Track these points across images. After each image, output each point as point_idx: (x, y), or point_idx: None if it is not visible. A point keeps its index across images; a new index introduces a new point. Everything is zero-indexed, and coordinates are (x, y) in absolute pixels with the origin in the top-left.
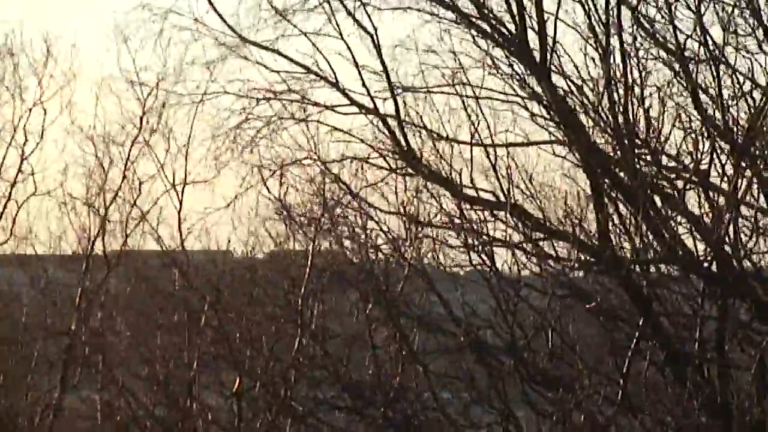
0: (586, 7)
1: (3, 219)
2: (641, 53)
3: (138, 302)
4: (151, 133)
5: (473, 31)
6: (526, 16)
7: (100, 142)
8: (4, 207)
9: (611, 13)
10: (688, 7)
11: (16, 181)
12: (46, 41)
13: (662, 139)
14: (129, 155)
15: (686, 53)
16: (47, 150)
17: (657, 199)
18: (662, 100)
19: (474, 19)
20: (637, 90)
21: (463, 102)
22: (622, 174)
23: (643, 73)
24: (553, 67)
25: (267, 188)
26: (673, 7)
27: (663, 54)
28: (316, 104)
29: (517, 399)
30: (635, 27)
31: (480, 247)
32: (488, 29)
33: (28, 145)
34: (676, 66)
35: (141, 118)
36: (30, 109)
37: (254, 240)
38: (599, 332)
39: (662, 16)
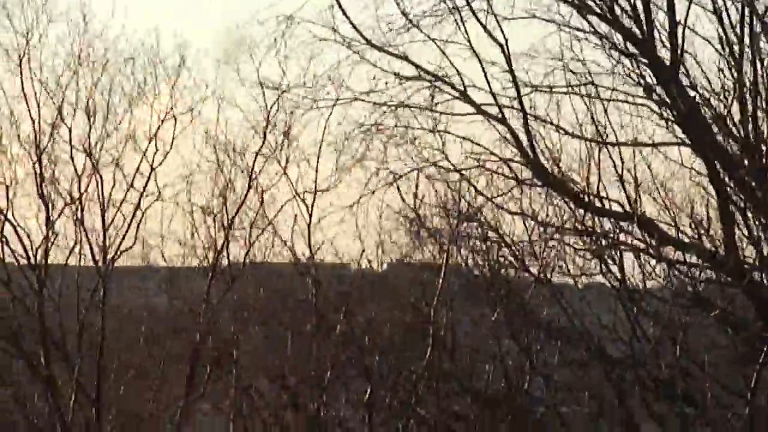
0: (721, 17)
1: (131, 228)
2: None
3: (268, 311)
4: (279, 145)
5: (601, 38)
6: (655, 23)
7: (226, 152)
8: (134, 215)
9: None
10: None
11: (145, 190)
12: (180, 51)
13: None
14: (254, 164)
15: None
16: (173, 160)
17: None
18: None
19: (601, 22)
20: None
21: (591, 108)
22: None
23: None
24: (681, 75)
25: (400, 193)
26: None
27: None
28: (443, 113)
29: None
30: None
31: (607, 256)
32: (616, 36)
33: (158, 155)
34: None
35: (265, 128)
36: (162, 120)
37: (381, 250)
38: (725, 344)
39: None
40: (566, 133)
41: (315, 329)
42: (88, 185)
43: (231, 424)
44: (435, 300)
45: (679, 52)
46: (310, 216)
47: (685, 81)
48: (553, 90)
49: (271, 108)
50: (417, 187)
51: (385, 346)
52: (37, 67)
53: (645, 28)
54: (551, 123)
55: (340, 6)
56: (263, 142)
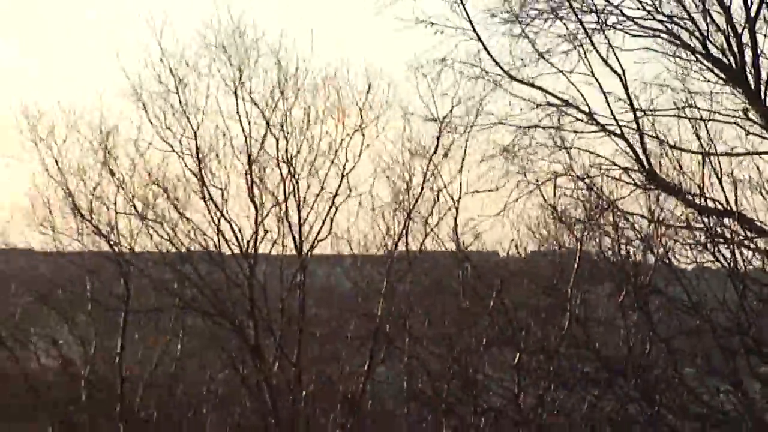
0: None
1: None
2: None
3: (433, 292)
4: (445, 153)
5: (701, 66)
6: (746, 50)
7: (404, 159)
8: (328, 213)
9: None
10: None
11: (337, 193)
12: (367, 76)
13: None
14: (428, 167)
15: None
16: (362, 165)
17: None
18: None
19: (701, 57)
20: None
21: (695, 126)
22: None
23: None
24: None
25: (543, 196)
26: None
27: None
28: (574, 131)
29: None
30: None
31: (714, 246)
32: (712, 65)
33: (348, 164)
34: None
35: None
36: (350, 136)
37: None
38: None
39: None
40: (675, 147)
41: (471, 306)
42: (293, 190)
43: (405, 383)
44: (571, 281)
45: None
46: (457, 210)
47: None
48: (662, 113)
49: (442, 123)
50: (555, 189)
51: (530, 320)
52: (248, 92)
53: (738, 59)
54: (663, 140)
55: (485, 48)
56: (435, 150)
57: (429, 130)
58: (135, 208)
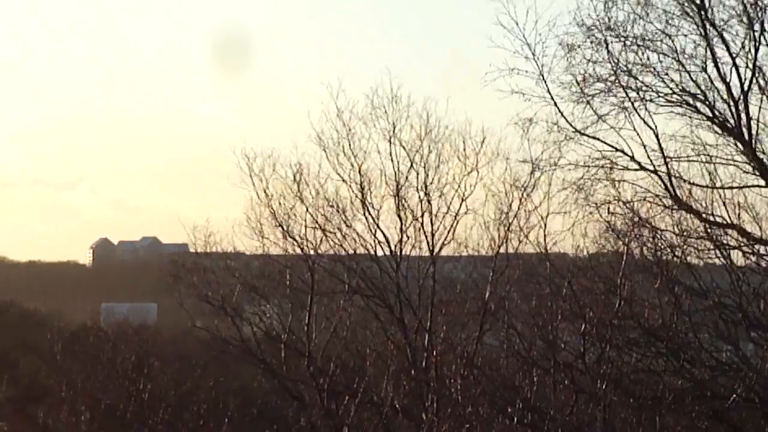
0: None
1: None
2: None
3: (524, 282)
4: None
5: (709, 124)
6: (742, 113)
7: (505, 188)
8: (452, 226)
9: None
10: None
11: (458, 213)
12: (483, 131)
13: None
14: (523, 193)
15: None
16: (477, 192)
17: None
18: None
19: (710, 118)
20: None
21: (707, 167)
22: None
23: None
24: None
25: (599, 214)
26: None
27: None
28: (622, 169)
29: (744, 336)
30: None
31: (721, 250)
32: (717, 123)
33: (467, 192)
34: None
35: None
36: (468, 172)
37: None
38: None
39: None
40: (693, 184)
41: (551, 291)
42: (424, 210)
43: (504, 345)
44: (620, 274)
45: (754, 131)
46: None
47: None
48: (683, 156)
49: (532, 163)
50: (609, 209)
51: (592, 300)
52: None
53: (736, 120)
54: (684, 177)
55: (559, 111)
56: (527, 182)
57: (524, 168)
58: (317, 222)
